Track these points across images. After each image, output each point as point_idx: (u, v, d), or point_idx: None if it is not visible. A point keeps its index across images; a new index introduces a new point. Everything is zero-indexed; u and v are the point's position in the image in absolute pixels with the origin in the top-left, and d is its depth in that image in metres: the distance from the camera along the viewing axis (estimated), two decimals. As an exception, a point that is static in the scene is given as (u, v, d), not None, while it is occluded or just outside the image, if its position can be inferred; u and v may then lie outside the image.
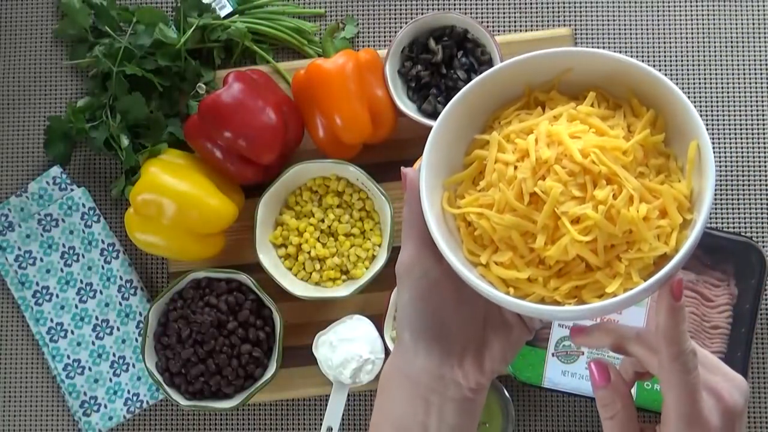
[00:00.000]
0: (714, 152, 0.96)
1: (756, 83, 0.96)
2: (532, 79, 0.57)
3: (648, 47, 0.97)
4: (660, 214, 0.52)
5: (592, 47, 0.97)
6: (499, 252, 0.54)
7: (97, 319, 0.96)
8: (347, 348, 0.88)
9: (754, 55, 0.97)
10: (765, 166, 0.96)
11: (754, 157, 0.96)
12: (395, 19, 0.99)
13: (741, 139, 0.96)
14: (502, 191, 0.52)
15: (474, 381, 0.57)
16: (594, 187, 0.51)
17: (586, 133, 0.52)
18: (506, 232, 0.52)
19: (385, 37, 0.99)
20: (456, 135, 0.57)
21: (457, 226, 0.56)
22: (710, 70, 0.97)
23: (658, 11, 0.98)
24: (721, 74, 0.97)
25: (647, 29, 0.97)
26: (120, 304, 0.96)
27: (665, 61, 0.97)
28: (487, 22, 0.99)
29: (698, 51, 0.97)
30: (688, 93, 0.97)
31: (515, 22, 0.98)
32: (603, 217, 0.50)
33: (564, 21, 0.98)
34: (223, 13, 0.97)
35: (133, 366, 0.96)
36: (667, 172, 0.54)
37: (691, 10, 0.98)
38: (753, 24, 0.97)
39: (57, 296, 0.96)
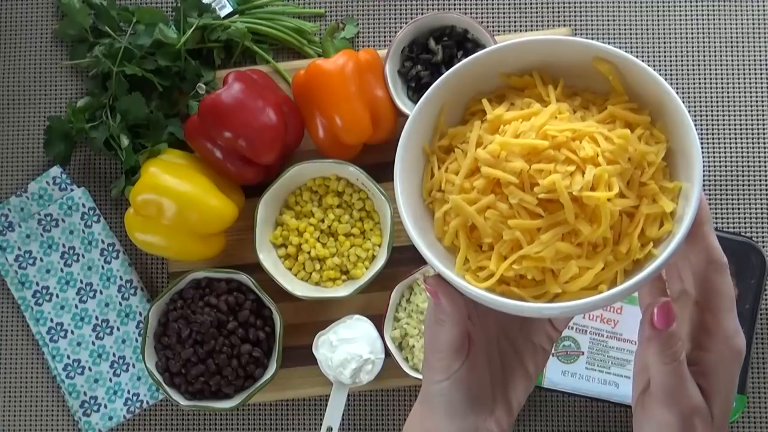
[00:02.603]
0: (714, 152, 0.97)
1: (756, 83, 0.96)
2: (508, 68, 0.56)
3: (648, 47, 0.97)
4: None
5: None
6: (503, 258, 0.52)
7: (97, 319, 0.96)
8: (347, 348, 0.88)
9: (754, 55, 0.97)
10: (765, 166, 0.96)
11: (754, 157, 0.96)
12: (395, 19, 0.99)
13: (741, 139, 0.96)
14: (516, 196, 0.51)
15: (506, 423, 0.57)
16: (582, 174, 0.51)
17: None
18: (511, 233, 0.51)
19: (385, 37, 0.99)
20: (462, 93, 0.57)
21: (451, 240, 0.55)
22: (710, 70, 0.97)
23: (658, 11, 0.98)
24: (721, 74, 0.97)
25: (647, 29, 0.97)
26: (120, 304, 0.96)
27: (665, 61, 0.97)
28: (487, 22, 0.99)
29: (698, 51, 0.97)
30: (688, 93, 0.97)
31: (515, 22, 0.98)
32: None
33: (564, 21, 0.98)
34: (223, 13, 0.97)
35: (133, 366, 0.96)
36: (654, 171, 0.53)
37: (691, 10, 0.98)
38: (753, 24, 0.97)
39: (57, 296, 0.96)
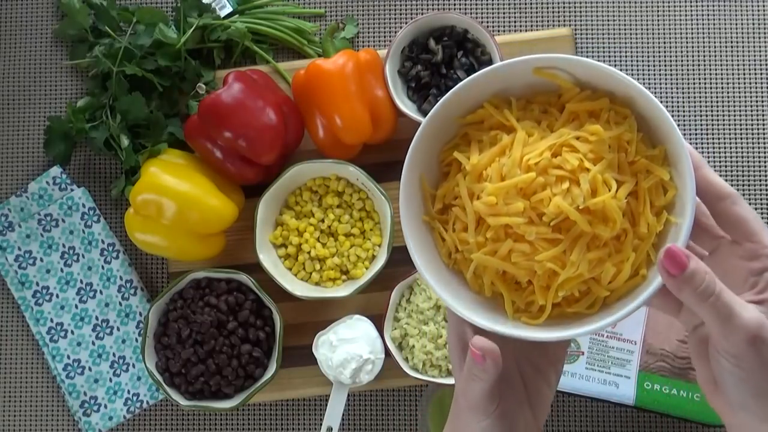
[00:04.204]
0: (714, 152, 0.97)
1: (756, 83, 0.96)
2: (506, 85, 0.57)
3: (648, 47, 0.97)
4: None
5: (592, 47, 0.97)
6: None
7: (97, 319, 0.96)
8: (347, 348, 0.88)
9: (754, 55, 0.97)
10: (765, 166, 0.95)
11: (754, 157, 0.96)
12: (395, 19, 0.99)
13: (741, 139, 0.96)
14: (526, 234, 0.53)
15: None
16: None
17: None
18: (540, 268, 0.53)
19: (385, 37, 0.99)
20: (431, 152, 0.59)
21: (473, 283, 0.57)
22: (710, 70, 0.97)
23: (658, 11, 0.98)
24: (721, 74, 0.97)
25: (647, 29, 0.97)
26: (120, 304, 0.96)
27: (665, 61, 0.97)
28: (487, 22, 0.99)
29: (698, 51, 0.97)
30: (688, 93, 0.97)
31: (515, 22, 0.98)
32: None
33: (564, 21, 0.98)
34: (223, 13, 0.97)
35: (133, 366, 0.96)
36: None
37: (691, 10, 0.98)
38: (753, 24, 0.97)
39: (57, 296, 0.96)
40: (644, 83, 0.96)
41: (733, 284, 0.51)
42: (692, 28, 0.97)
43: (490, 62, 0.91)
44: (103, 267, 0.96)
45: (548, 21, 0.98)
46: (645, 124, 0.55)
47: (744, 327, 0.48)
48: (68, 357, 0.95)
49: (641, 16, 0.98)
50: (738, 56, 0.97)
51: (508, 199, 0.53)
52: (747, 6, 0.98)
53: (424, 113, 0.92)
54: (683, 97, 0.97)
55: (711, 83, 0.97)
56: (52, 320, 0.96)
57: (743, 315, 0.49)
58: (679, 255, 0.49)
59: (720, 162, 0.96)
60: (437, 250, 0.58)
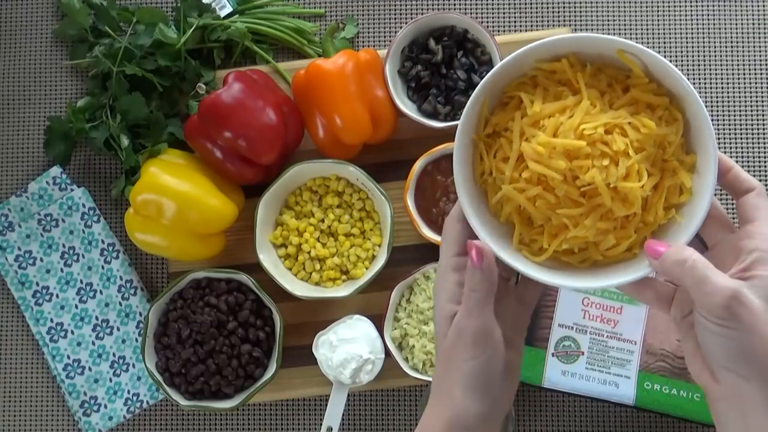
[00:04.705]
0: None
1: (756, 83, 0.96)
2: (587, 50, 0.63)
3: (648, 47, 0.97)
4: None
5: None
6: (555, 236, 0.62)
7: (97, 319, 0.96)
8: (347, 348, 0.88)
9: (754, 55, 0.97)
10: (765, 166, 0.96)
11: (754, 157, 0.96)
12: (395, 19, 0.99)
13: (741, 139, 0.96)
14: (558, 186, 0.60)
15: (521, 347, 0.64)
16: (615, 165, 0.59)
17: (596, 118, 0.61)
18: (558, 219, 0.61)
19: (385, 37, 0.99)
20: (499, 83, 0.64)
21: (509, 219, 0.64)
22: (710, 70, 0.97)
23: (658, 11, 0.98)
24: (721, 74, 0.97)
25: (647, 29, 0.97)
26: (120, 304, 0.96)
27: (665, 61, 0.97)
28: (487, 22, 0.99)
29: (698, 51, 0.97)
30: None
31: (515, 22, 0.98)
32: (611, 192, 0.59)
33: (564, 21, 0.98)
34: (223, 13, 0.97)
35: (133, 366, 0.96)
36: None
37: (691, 10, 0.98)
38: (753, 24, 0.97)
39: (57, 296, 0.96)
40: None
41: (728, 265, 0.57)
42: (692, 28, 0.97)
43: (490, 62, 0.91)
44: (103, 267, 0.96)
45: (548, 21, 0.98)
46: (688, 129, 0.61)
47: (720, 290, 0.54)
48: (68, 357, 0.95)
49: (641, 16, 0.98)
50: (738, 56, 0.97)
51: (553, 155, 0.59)
52: (747, 6, 0.98)
53: (425, 113, 0.92)
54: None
55: (711, 83, 0.97)
56: (52, 320, 0.96)
57: (718, 280, 0.54)
58: (652, 245, 0.58)
59: (720, 162, 0.96)
60: (473, 167, 0.65)
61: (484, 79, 0.62)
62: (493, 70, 0.62)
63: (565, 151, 0.59)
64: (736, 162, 0.95)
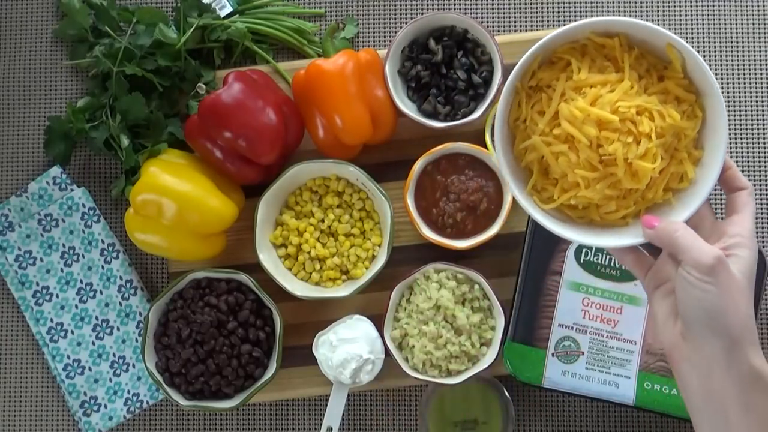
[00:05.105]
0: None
1: (756, 83, 0.96)
2: (635, 35, 0.70)
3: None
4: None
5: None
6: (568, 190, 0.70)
7: (97, 319, 0.96)
8: (347, 348, 0.88)
9: (754, 55, 0.97)
10: (765, 166, 0.96)
11: (754, 157, 0.96)
12: (395, 19, 0.99)
13: (741, 139, 0.96)
14: (582, 148, 0.68)
15: None
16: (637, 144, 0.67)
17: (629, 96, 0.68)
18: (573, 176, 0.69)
19: (385, 37, 0.99)
20: (552, 46, 0.71)
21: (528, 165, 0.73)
22: (710, 69, 0.97)
23: (657, 11, 0.98)
24: (721, 74, 0.97)
25: (647, 29, 0.97)
26: (120, 304, 0.96)
27: (665, 61, 0.97)
28: (487, 22, 0.99)
29: (698, 51, 0.97)
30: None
31: (515, 22, 0.98)
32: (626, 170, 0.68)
33: (564, 21, 0.98)
34: (223, 13, 0.97)
35: (133, 366, 0.96)
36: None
37: (692, 10, 0.98)
38: (753, 24, 0.97)
39: (57, 296, 0.96)
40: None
41: (710, 243, 0.65)
42: (692, 28, 0.97)
43: (490, 62, 0.91)
44: (103, 267, 0.96)
45: (548, 21, 0.98)
46: (703, 127, 0.70)
47: (709, 252, 0.62)
48: (68, 357, 0.95)
49: (641, 16, 0.98)
50: (738, 56, 0.97)
51: (587, 121, 0.67)
52: (747, 6, 0.98)
53: (425, 113, 0.92)
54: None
55: (711, 83, 0.97)
56: (52, 320, 0.96)
57: (707, 245, 0.63)
58: (648, 219, 0.67)
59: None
60: (509, 111, 0.72)
61: (543, 39, 0.69)
62: (554, 32, 0.69)
63: (597, 121, 0.67)
64: (735, 160, 0.96)
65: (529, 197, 0.72)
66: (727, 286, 0.62)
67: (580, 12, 0.98)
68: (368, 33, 0.99)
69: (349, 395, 0.95)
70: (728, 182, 0.69)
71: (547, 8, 0.98)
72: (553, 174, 0.71)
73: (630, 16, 0.98)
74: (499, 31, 0.98)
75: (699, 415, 0.64)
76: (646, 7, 0.98)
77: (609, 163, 0.68)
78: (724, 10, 0.97)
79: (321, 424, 0.95)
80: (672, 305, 0.65)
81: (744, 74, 0.97)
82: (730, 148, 0.96)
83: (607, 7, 0.98)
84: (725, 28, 0.97)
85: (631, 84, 0.68)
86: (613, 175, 0.68)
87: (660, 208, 0.70)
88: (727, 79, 0.97)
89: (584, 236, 0.70)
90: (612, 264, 0.86)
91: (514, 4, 0.99)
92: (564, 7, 0.98)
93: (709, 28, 0.97)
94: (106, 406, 0.95)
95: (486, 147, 0.90)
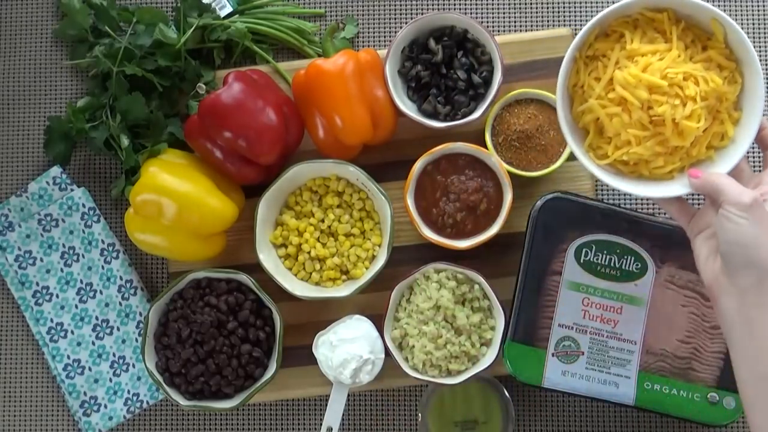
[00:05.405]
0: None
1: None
2: (682, 9, 0.79)
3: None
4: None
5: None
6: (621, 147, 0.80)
7: (97, 319, 0.96)
8: (347, 348, 0.88)
9: (754, 55, 0.97)
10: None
11: (754, 157, 0.96)
12: (395, 19, 0.99)
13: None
14: (633, 108, 0.77)
15: None
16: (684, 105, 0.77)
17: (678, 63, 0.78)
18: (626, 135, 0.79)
19: (385, 37, 0.99)
20: (606, 21, 0.80)
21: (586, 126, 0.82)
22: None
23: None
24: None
25: (647, 29, 0.97)
26: (120, 304, 0.96)
27: (665, 61, 0.97)
28: (487, 22, 0.99)
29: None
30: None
31: (515, 22, 0.98)
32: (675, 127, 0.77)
33: (564, 21, 0.98)
34: (223, 13, 0.97)
35: (133, 366, 0.96)
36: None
37: None
38: (753, 24, 0.97)
39: (57, 296, 0.96)
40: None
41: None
42: (692, 28, 0.97)
43: (490, 62, 0.91)
44: (103, 267, 0.96)
45: (548, 21, 0.98)
46: (742, 91, 0.79)
47: (747, 193, 0.70)
48: (68, 357, 0.95)
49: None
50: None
51: (639, 85, 0.77)
52: (747, 6, 0.98)
53: (425, 113, 0.92)
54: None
55: (711, 83, 0.97)
56: (52, 320, 0.96)
57: (745, 188, 0.71)
58: (694, 171, 0.76)
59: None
60: (568, 78, 0.81)
61: (599, 14, 0.79)
62: (609, 8, 0.79)
63: (648, 85, 0.76)
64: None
65: (586, 154, 0.81)
66: (763, 224, 0.69)
67: (580, 12, 0.98)
68: (368, 33, 0.99)
69: (349, 395, 0.95)
70: (764, 140, 0.78)
71: (547, 8, 0.98)
72: (607, 133, 0.80)
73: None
74: (499, 31, 0.98)
75: (736, 343, 0.71)
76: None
77: (658, 123, 0.77)
78: (724, 10, 0.97)
79: (321, 424, 0.95)
80: (712, 247, 0.74)
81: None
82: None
83: (607, 6, 0.98)
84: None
85: (678, 53, 0.77)
86: (661, 134, 0.77)
87: (703, 164, 0.79)
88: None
89: (635, 188, 0.79)
90: (612, 264, 0.86)
91: (514, 4, 0.99)
92: (564, 7, 0.98)
93: (709, 28, 0.97)
94: (106, 406, 0.95)
95: (486, 147, 0.90)
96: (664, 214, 0.96)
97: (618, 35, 0.81)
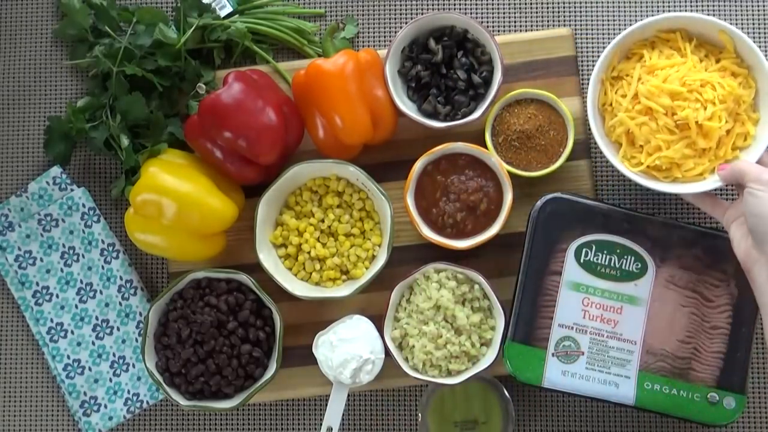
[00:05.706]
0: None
1: (756, 83, 0.96)
2: (693, 28, 0.88)
3: (648, 47, 0.97)
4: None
5: (592, 47, 0.97)
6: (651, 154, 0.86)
7: (97, 319, 0.96)
8: (347, 348, 0.88)
9: (754, 55, 0.97)
10: (765, 166, 0.96)
11: (754, 157, 0.96)
12: (395, 19, 0.99)
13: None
14: (658, 117, 0.85)
15: None
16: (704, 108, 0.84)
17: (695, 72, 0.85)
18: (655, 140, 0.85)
19: (385, 37, 0.99)
20: (626, 44, 0.89)
21: (617, 139, 0.88)
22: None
23: (657, 11, 0.98)
24: (721, 74, 0.97)
25: (647, 29, 0.97)
26: (120, 304, 0.96)
27: (665, 61, 0.97)
28: (487, 22, 0.99)
29: (698, 51, 0.97)
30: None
31: (515, 22, 0.98)
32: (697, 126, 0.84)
33: (564, 21, 0.98)
34: (223, 13, 0.97)
35: (133, 366, 0.96)
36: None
37: (692, 11, 0.98)
38: (753, 24, 0.97)
39: (57, 296, 0.96)
40: (644, 83, 0.96)
41: None
42: (692, 28, 0.97)
43: (490, 62, 0.91)
44: (103, 267, 0.96)
45: (548, 21, 0.98)
46: (758, 95, 0.86)
47: (767, 171, 0.78)
48: (68, 357, 0.95)
49: (641, 16, 0.98)
50: (738, 56, 0.97)
51: (661, 94, 0.84)
52: (747, 6, 0.98)
53: (425, 113, 0.92)
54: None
55: (711, 83, 0.97)
56: (52, 320, 0.96)
57: (763, 168, 0.79)
58: (722, 165, 0.84)
59: (720, 162, 0.96)
60: (597, 99, 0.88)
61: (617, 37, 0.86)
62: (625, 31, 0.86)
63: (669, 93, 0.84)
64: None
65: (621, 164, 0.86)
66: None
67: (580, 12, 0.98)
68: (368, 33, 0.99)
69: (349, 395, 0.95)
70: None
71: (547, 8, 0.98)
72: (638, 142, 0.86)
73: (630, 16, 0.98)
74: (499, 31, 0.98)
75: None
76: (646, 7, 0.98)
77: (683, 128, 0.84)
78: (724, 10, 0.97)
79: (321, 424, 0.95)
80: (745, 230, 0.80)
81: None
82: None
83: (606, 7, 0.98)
84: (725, 28, 0.97)
85: (693, 64, 0.85)
86: (688, 136, 0.84)
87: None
88: (727, 79, 0.97)
89: (670, 188, 0.85)
90: (612, 264, 0.86)
91: (514, 4, 0.99)
92: (564, 7, 0.98)
93: (709, 28, 0.97)
94: (106, 406, 0.95)
95: (486, 147, 0.90)
96: (668, 214, 0.96)
97: (638, 56, 0.88)
